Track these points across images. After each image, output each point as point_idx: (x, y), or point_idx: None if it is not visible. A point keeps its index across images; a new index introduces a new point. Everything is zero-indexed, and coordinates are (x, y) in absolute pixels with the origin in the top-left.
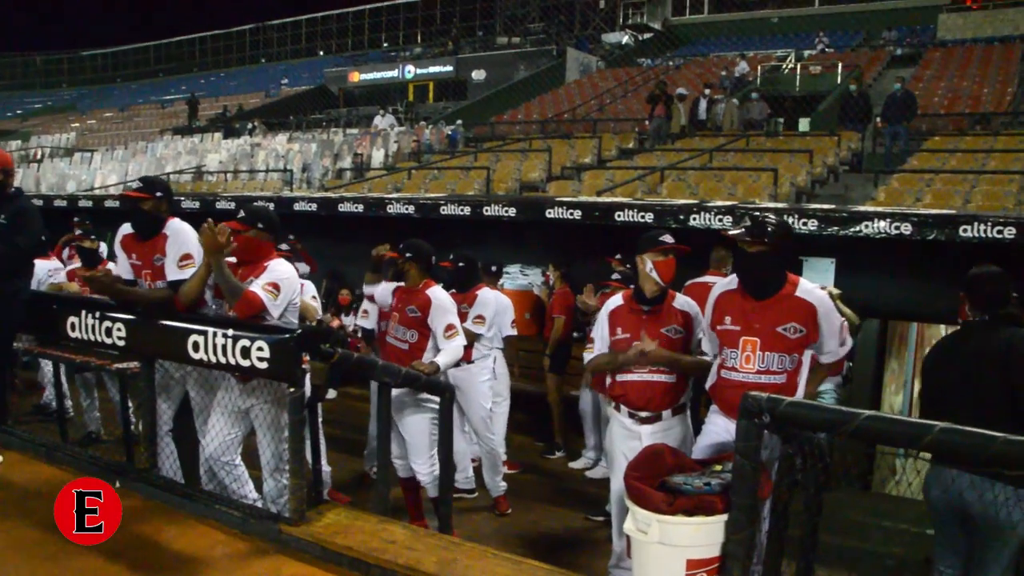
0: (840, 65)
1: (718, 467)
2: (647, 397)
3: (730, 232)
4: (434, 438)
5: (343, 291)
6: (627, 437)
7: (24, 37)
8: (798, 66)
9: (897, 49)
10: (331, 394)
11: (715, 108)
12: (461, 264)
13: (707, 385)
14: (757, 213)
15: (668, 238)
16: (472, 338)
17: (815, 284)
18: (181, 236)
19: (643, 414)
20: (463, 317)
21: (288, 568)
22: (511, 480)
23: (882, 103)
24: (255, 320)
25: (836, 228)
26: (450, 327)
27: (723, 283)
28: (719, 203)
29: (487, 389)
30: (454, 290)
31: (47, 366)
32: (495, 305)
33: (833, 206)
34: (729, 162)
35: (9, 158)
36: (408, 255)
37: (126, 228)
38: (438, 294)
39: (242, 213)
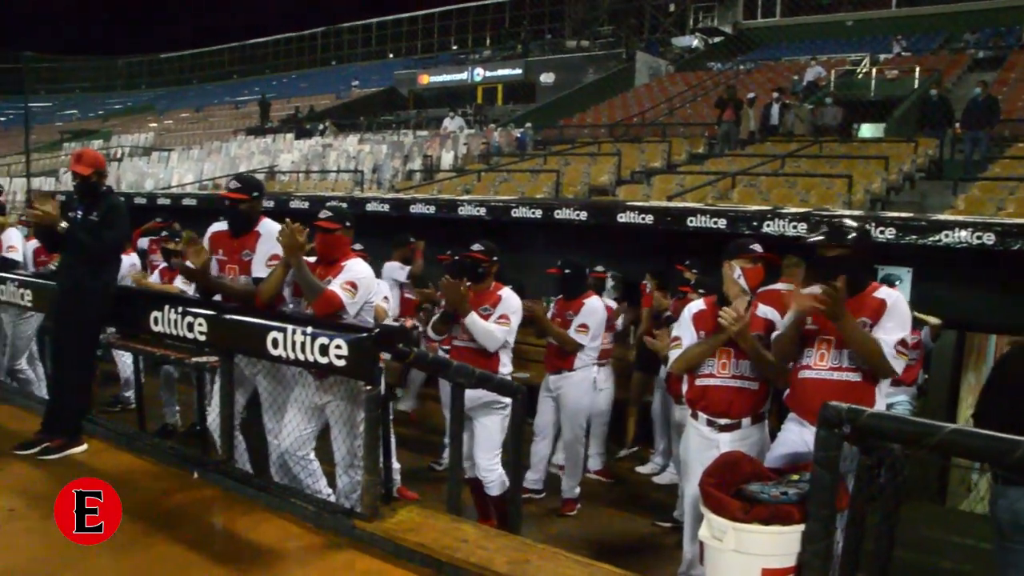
0: (918, 69)
1: (795, 476)
2: (728, 403)
3: (809, 239)
4: (502, 439)
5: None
6: (705, 447)
7: (107, 41)
8: (873, 70)
9: (979, 52)
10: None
11: (787, 113)
12: (568, 270)
13: (785, 396)
14: (835, 219)
15: (758, 247)
16: (574, 347)
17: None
18: (273, 236)
19: (722, 421)
20: (566, 324)
21: (361, 563)
22: (581, 483)
23: (962, 108)
24: (333, 318)
25: (915, 237)
26: (504, 317)
27: (805, 291)
28: (793, 210)
29: (587, 401)
30: (561, 296)
31: (125, 358)
32: (602, 315)
33: (911, 214)
34: (801, 168)
35: (102, 159)
36: (494, 258)
37: (216, 227)
38: (510, 295)
39: (328, 212)
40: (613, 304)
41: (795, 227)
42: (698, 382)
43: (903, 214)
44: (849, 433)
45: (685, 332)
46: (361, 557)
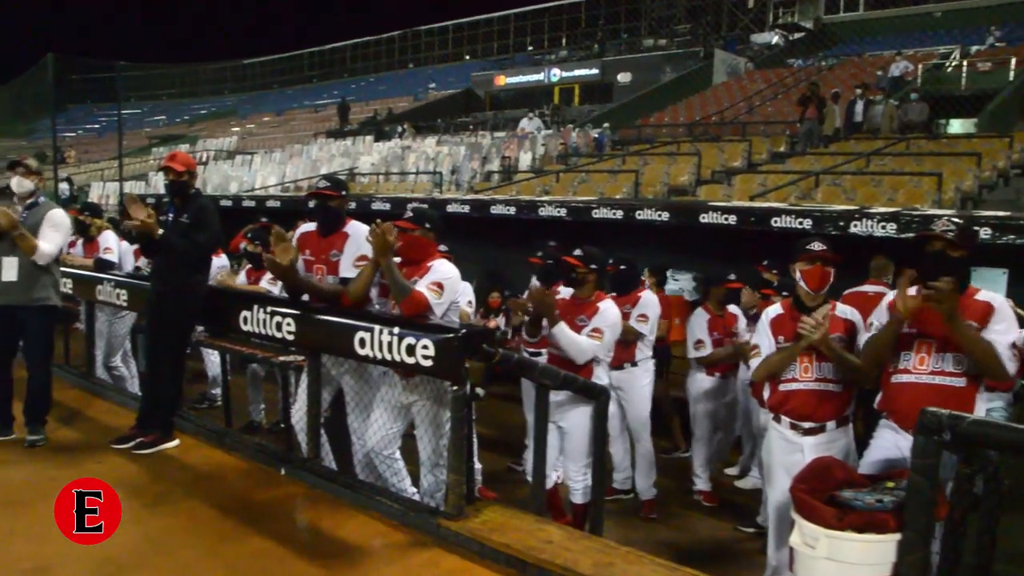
0: (1014, 60)
1: (890, 484)
2: (812, 406)
3: (939, 231)
4: (590, 445)
5: (493, 293)
6: (788, 450)
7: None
8: (964, 63)
9: None
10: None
11: (872, 110)
12: (623, 267)
13: (876, 402)
14: (958, 220)
15: (817, 245)
16: (635, 336)
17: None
18: (360, 237)
19: (806, 425)
20: (625, 317)
21: (446, 562)
22: (659, 486)
23: None
24: (420, 319)
25: (1012, 236)
26: (598, 331)
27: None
28: (881, 209)
29: (649, 392)
30: (615, 293)
31: (212, 356)
32: (657, 308)
33: (1008, 213)
34: (887, 166)
35: (193, 161)
36: (592, 266)
37: (305, 227)
38: (610, 308)
39: (409, 213)
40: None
41: (883, 227)
42: (781, 387)
43: (1000, 213)
44: (949, 440)
45: (763, 339)
46: (446, 556)
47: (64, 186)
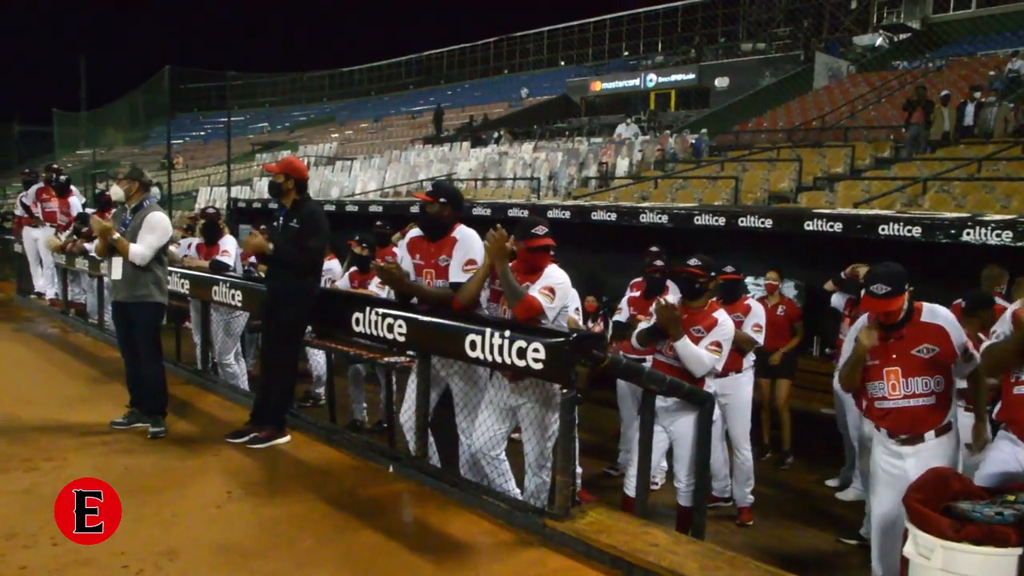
0: None
1: (1011, 497)
2: (908, 423)
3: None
4: (695, 445)
5: (589, 298)
6: (890, 457)
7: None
8: None
9: None
10: None
11: (984, 112)
12: (732, 275)
13: (994, 412)
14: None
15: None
16: (750, 346)
17: None
18: (469, 242)
19: (903, 436)
20: (739, 326)
21: (553, 561)
22: (756, 493)
23: None
24: (532, 322)
25: None
26: (716, 345)
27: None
28: (996, 217)
29: (750, 400)
30: (724, 301)
31: (318, 356)
32: (764, 316)
33: None
34: (1001, 172)
35: (302, 166)
36: (712, 274)
37: (415, 231)
38: (727, 319)
39: (544, 228)
40: None
41: (999, 235)
42: (877, 405)
43: None
44: None
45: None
46: (552, 555)
47: (155, 191)
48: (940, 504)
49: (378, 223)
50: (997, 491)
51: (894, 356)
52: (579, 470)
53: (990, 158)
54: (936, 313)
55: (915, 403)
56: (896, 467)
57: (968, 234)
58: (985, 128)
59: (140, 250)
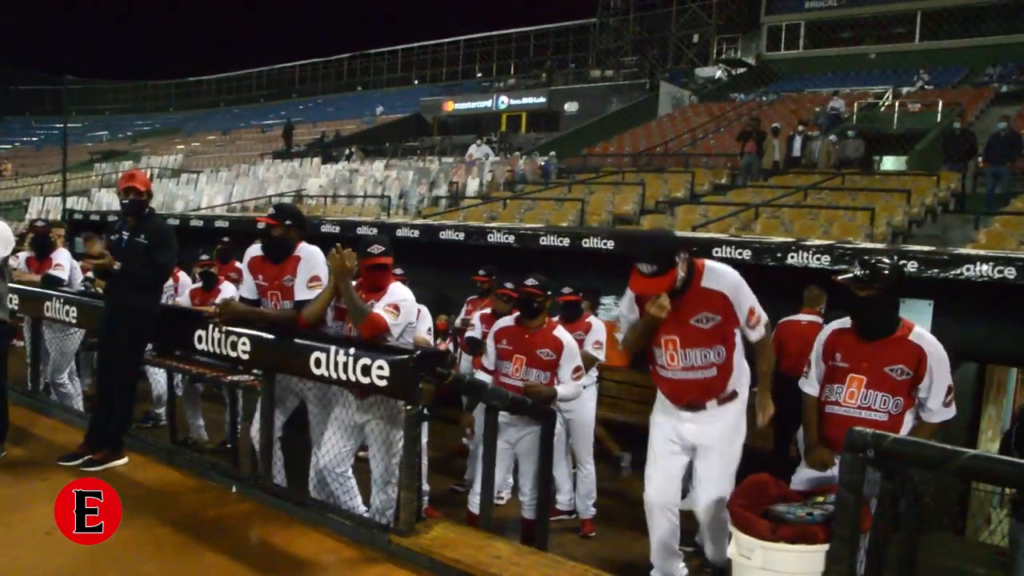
0: (941, 102)
1: (820, 499)
2: (686, 394)
3: (840, 278)
4: (538, 460)
5: (441, 316)
6: (672, 420)
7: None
8: (896, 103)
9: (1003, 86)
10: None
11: (810, 145)
12: (572, 294)
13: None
14: (867, 256)
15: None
16: (592, 363)
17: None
18: (312, 259)
19: (682, 404)
20: (580, 344)
21: None
22: (598, 505)
23: (985, 142)
24: (376, 340)
25: (936, 270)
26: (577, 369)
27: (837, 323)
28: (817, 242)
29: (593, 415)
30: (564, 320)
31: (158, 375)
32: (605, 332)
33: (934, 248)
34: (824, 200)
35: (149, 181)
36: (549, 293)
37: (254, 250)
38: (568, 337)
39: (380, 247)
40: None
41: (819, 259)
42: (659, 372)
43: (925, 247)
44: (873, 457)
45: (814, 357)
46: (397, 571)
47: None
48: (760, 508)
49: (225, 239)
50: (810, 494)
51: (672, 324)
52: (426, 487)
53: (815, 187)
54: (719, 276)
55: (693, 376)
56: (675, 432)
57: (792, 257)
58: (811, 159)
59: None
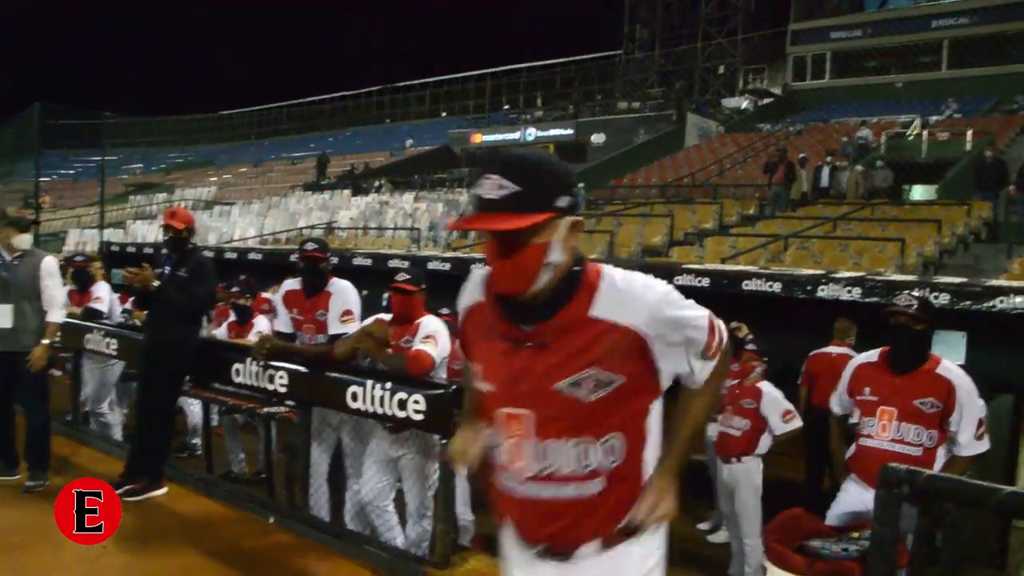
0: (970, 131)
1: (855, 534)
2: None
3: (894, 308)
4: None
5: None
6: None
7: (171, 100)
8: (924, 132)
9: None
10: None
11: (838, 175)
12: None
13: (847, 455)
14: (918, 293)
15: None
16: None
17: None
18: (344, 294)
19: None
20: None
21: None
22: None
23: (1016, 170)
24: (427, 376)
25: (969, 303)
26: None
27: (863, 356)
28: (847, 274)
29: None
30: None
31: (194, 406)
32: None
33: (966, 279)
34: (853, 231)
35: (192, 217)
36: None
37: (289, 284)
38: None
39: (406, 275)
40: None
41: (849, 291)
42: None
43: (956, 279)
44: (908, 493)
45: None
46: None
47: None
48: (795, 543)
49: (242, 277)
50: (844, 529)
51: (519, 386)
52: (470, 517)
53: (843, 218)
54: (630, 295)
55: (554, 491)
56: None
57: (822, 290)
58: (839, 189)
59: (62, 299)
